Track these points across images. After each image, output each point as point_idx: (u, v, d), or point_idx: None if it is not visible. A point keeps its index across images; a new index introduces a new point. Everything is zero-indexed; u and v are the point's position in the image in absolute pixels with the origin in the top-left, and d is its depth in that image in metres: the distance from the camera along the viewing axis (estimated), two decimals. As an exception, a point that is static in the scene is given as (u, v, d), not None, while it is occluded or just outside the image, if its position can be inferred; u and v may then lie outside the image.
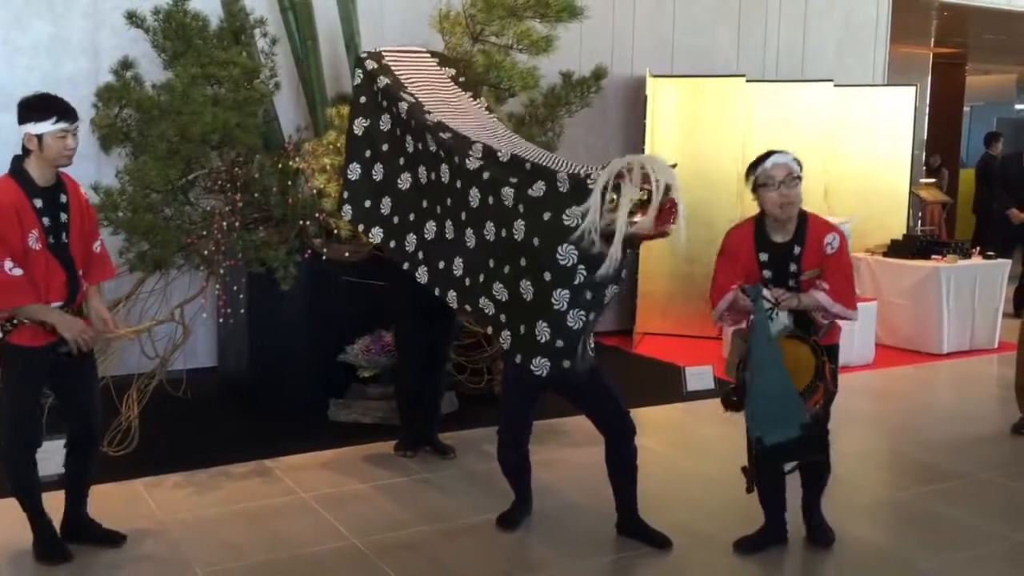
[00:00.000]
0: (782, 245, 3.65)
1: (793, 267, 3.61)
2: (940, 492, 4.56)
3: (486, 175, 3.75)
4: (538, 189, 3.55)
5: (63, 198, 3.55)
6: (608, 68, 6.41)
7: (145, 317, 5.24)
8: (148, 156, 4.96)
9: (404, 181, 4.23)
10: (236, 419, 5.48)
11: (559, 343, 3.52)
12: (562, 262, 3.44)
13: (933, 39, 13.33)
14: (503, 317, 3.71)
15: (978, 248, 8.11)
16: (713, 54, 8.44)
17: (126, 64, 5.31)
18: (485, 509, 4.13)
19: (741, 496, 4.55)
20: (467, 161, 3.83)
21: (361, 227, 4.45)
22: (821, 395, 3.58)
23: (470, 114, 4.31)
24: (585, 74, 6.25)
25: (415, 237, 4.15)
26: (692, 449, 5.22)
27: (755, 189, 3.66)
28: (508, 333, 3.69)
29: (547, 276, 3.49)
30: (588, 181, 3.38)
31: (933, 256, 7.69)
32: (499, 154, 3.75)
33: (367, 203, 4.37)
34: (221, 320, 5.24)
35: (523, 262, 3.59)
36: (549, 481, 4.46)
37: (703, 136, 7.79)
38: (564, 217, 3.43)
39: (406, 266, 4.20)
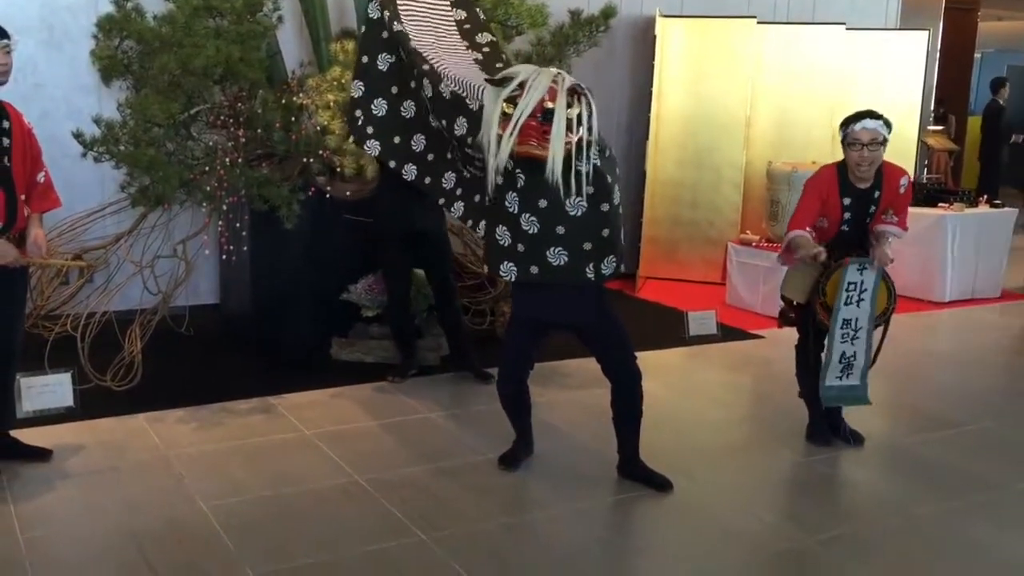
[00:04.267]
0: (864, 191, 4.08)
1: (872, 208, 4.11)
2: (939, 440, 4.58)
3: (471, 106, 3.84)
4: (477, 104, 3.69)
5: (5, 124, 3.59)
6: (617, 7, 6.28)
7: (148, 253, 5.22)
8: (149, 89, 4.89)
9: (434, 120, 4.20)
10: (239, 356, 5.48)
11: (520, 247, 3.57)
12: (506, 165, 3.49)
13: (947, -17, 13.08)
14: (470, 221, 3.91)
15: (985, 196, 8.05)
16: (725, -6, 8.28)
17: (127, -6, 5.19)
18: (487, 449, 4.16)
19: (741, 440, 4.60)
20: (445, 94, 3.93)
21: (392, 163, 4.41)
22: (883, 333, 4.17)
23: (455, 60, 4.26)
24: (594, 12, 6.12)
25: (454, 175, 4.16)
26: (693, 393, 5.24)
27: (843, 142, 4.05)
28: (461, 204, 3.93)
29: (499, 180, 3.55)
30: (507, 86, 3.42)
31: (940, 204, 7.64)
32: (467, 100, 3.84)
33: (396, 139, 4.36)
34: (224, 257, 5.20)
35: (480, 165, 3.77)
36: (551, 422, 4.48)
37: (712, 79, 7.69)
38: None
39: (442, 202, 4.24)
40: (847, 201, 4.09)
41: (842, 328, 4.09)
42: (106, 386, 4.65)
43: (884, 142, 3.97)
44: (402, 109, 4.35)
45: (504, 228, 3.60)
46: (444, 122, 4.00)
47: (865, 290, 4.08)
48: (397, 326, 5.15)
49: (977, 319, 7.19)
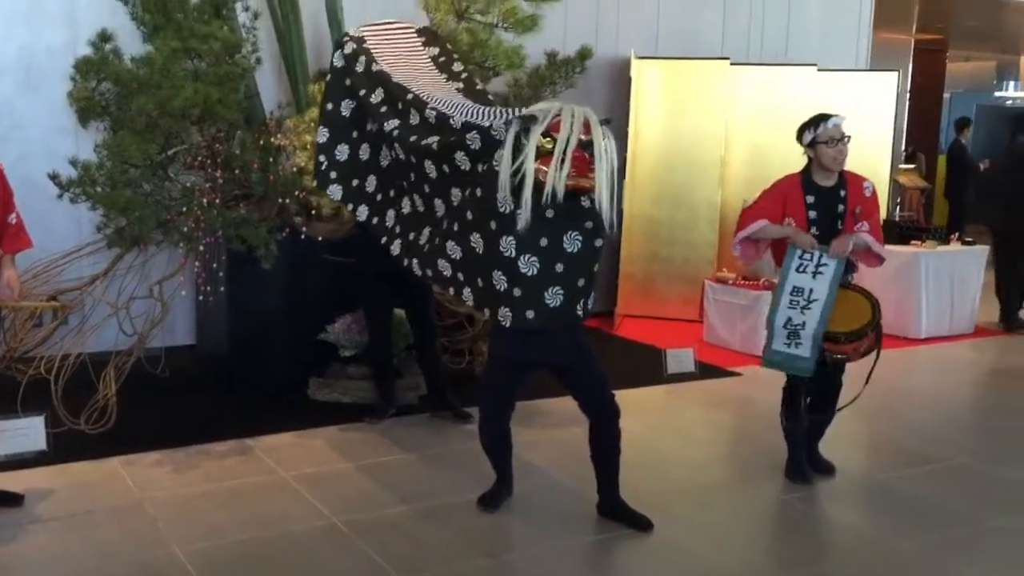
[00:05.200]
0: (828, 189, 4.18)
1: (840, 207, 4.16)
2: (918, 475, 4.60)
3: (436, 147, 3.79)
4: (476, 141, 3.58)
5: None
6: (593, 48, 6.37)
7: (123, 294, 5.18)
8: (127, 130, 4.89)
9: (384, 158, 4.30)
10: (215, 397, 5.44)
11: (516, 291, 3.54)
12: (501, 208, 3.47)
13: (915, 25, 13.38)
14: (461, 275, 3.77)
15: (956, 234, 8.16)
16: (698, 37, 8.42)
17: (105, 36, 5.21)
18: (466, 489, 4.12)
19: (721, 478, 4.60)
20: (420, 140, 3.89)
21: (350, 206, 4.47)
22: (865, 344, 4.09)
23: (437, 94, 4.29)
24: (570, 54, 6.21)
25: (394, 212, 4.23)
26: (673, 431, 5.24)
27: (812, 145, 4.17)
28: (468, 290, 3.75)
29: (493, 225, 3.53)
30: (506, 127, 3.39)
31: (912, 242, 7.74)
32: (451, 120, 3.80)
33: (354, 182, 4.43)
34: (201, 298, 5.18)
35: (470, 216, 3.65)
36: (531, 461, 4.46)
37: (687, 118, 7.78)
38: (494, 163, 3.46)
39: (384, 240, 4.29)
40: (811, 199, 4.16)
41: (791, 294, 4.10)
42: (80, 429, 4.59)
43: (849, 137, 4.15)
44: (360, 152, 4.42)
45: (500, 273, 3.55)
46: (412, 157, 3.97)
47: (825, 265, 4.06)
48: (377, 365, 5.14)
49: (952, 355, 7.26)
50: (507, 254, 3.49)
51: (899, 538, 3.87)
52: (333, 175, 4.48)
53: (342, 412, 5.16)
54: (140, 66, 5.00)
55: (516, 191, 3.36)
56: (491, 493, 4.01)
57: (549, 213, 3.41)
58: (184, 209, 4.92)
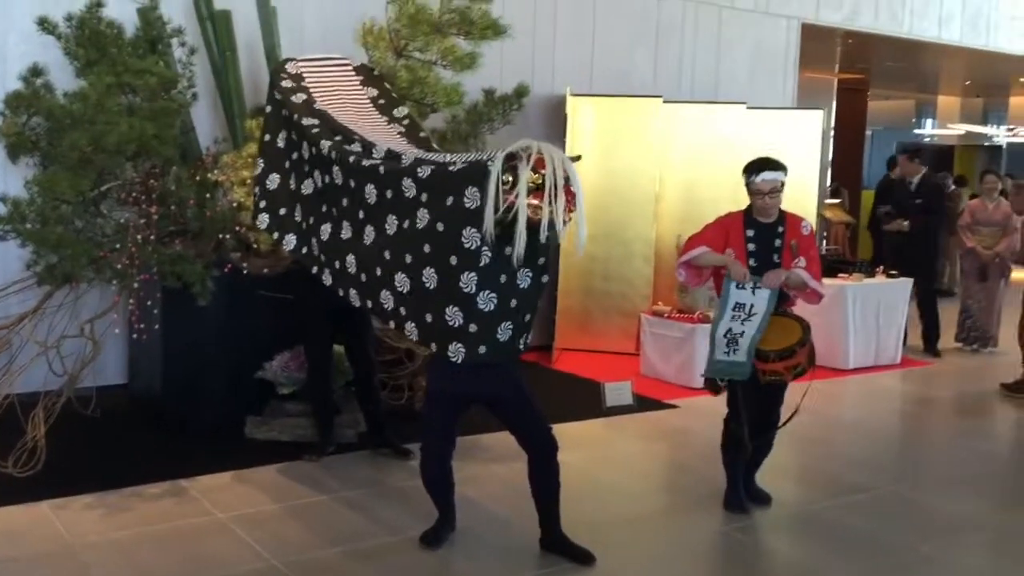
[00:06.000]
0: (767, 225, 4.39)
1: (778, 242, 4.36)
2: (850, 504, 4.71)
3: (383, 169, 3.81)
4: (439, 176, 3.60)
5: None
6: (529, 86, 6.48)
7: (53, 332, 5.06)
8: (59, 166, 4.80)
9: (307, 187, 4.32)
10: (148, 438, 5.31)
11: (472, 327, 3.55)
12: (466, 244, 3.48)
13: (838, 65, 13.85)
14: (403, 310, 3.75)
15: (881, 267, 8.43)
16: (631, 75, 8.61)
17: (36, 71, 5.14)
18: (407, 527, 4.10)
19: (660, 509, 4.65)
20: (363, 160, 3.91)
21: (276, 235, 4.48)
22: (796, 361, 4.21)
23: (378, 136, 4.32)
24: (507, 91, 6.30)
25: (316, 240, 4.24)
26: (612, 464, 5.28)
27: (747, 189, 4.37)
28: (413, 324, 3.73)
29: (453, 260, 3.52)
30: (489, 164, 3.40)
31: (839, 275, 7.96)
32: (402, 157, 3.82)
33: (282, 211, 4.44)
34: (135, 336, 5.08)
35: (427, 248, 3.62)
36: (472, 497, 4.46)
37: (621, 155, 7.92)
38: (465, 199, 3.46)
39: (315, 270, 4.28)
40: (751, 233, 4.36)
41: (733, 309, 4.27)
42: (7, 472, 4.45)
43: (783, 186, 4.34)
44: (290, 181, 4.42)
45: (456, 308, 3.55)
46: (352, 180, 3.96)
47: (760, 288, 4.26)
48: (316, 402, 5.09)
49: (879, 385, 7.46)
50: (467, 290, 3.50)
51: (835, 568, 3.96)
52: (263, 204, 4.50)
53: (280, 450, 5.09)
54: (73, 101, 4.93)
55: (504, 226, 3.35)
56: (433, 530, 3.99)
57: (507, 250, 3.43)
58: (117, 246, 4.85)
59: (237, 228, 5.14)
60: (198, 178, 5.23)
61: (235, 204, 5.15)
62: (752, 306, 4.27)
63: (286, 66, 4.74)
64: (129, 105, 4.99)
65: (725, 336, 4.26)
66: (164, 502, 4.40)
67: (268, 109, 4.61)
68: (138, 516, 4.22)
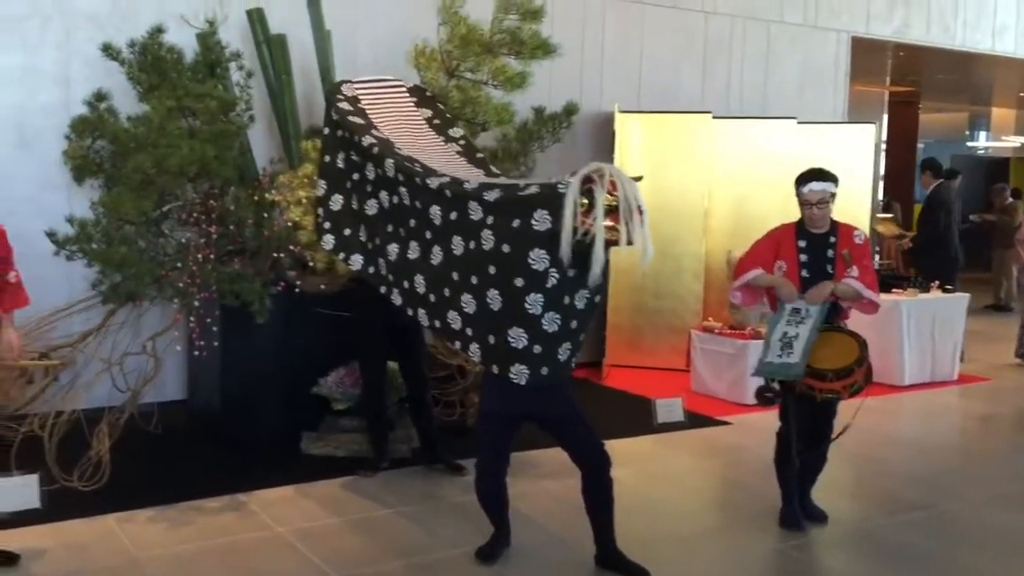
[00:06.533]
0: (819, 236, 4.38)
1: (830, 252, 4.34)
2: (908, 522, 4.64)
3: (449, 192, 3.84)
4: (506, 199, 3.63)
5: None
6: (578, 104, 6.52)
7: (116, 350, 5.19)
8: (122, 187, 4.94)
9: (371, 207, 4.36)
10: (208, 453, 5.42)
11: (536, 348, 3.58)
12: (534, 266, 3.50)
13: (889, 78, 13.70)
14: (470, 331, 3.77)
15: (937, 282, 8.30)
16: (679, 92, 8.61)
17: (100, 96, 5.30)
18: (463, 542, 4.13)
19: (715, 527, 4.63)
20: (428, 181, 3.94)
21: (342, 255, 4.53)
22: (853, 380, 4.16)
23: (438, 157, 4.38)
24: (556, 109, 6.35)
25: (384, 260, 4.27)
26: (665, 481, 5.27)
27: (798, 199, 4.39)
28: (476, 346, 3.75)
29: (519, 282, 3.54)
30: (559, 186, 3.44)
31: (894, 290, 7.86)
32: (466, 183, 3.85)
33: (347, 231, 4.48)
34: (195, 353, 5.20)
35: (492, 270, 3.64)
36: (526, 513, 4.48)
37: (670, 172, 7.92)
38: (533, 222, 3.49)
39: (383, 290, 4.31)
40: (802, 244, 4.37)
41: (790, 314, 4.28)
42: (73, 486, 4.57)
43: (833, 197, 4.35)
44: (352, 202, 4.48)
45: (520, 330, 3.57)
46: (418, 201, 4.00)
47: (808, 314, 4.27)
48: (371, 418, 5.15)
49: (936, 402, 7.35)
50: (532, 311, 3.53)
51: (893, 585, 3.91)
52: (327, 226, 4.55)
53: (335, 466, 5.16)
54: (137, 125, 5.07)
55: (582, 248, 3.37)
56: (489, 546, 4.02)
57: (571, 271, 3.48)
58: (179, 265, 4.97)
59: (293, 247, 5.24)
60: (255, 198, 5.34)
61: (291, 223, 5.25)
62: (807, 310, 4.28)
63: (342, 88, 4.83)
64: (190, 128, 5.13)
65: (780, 340, 4.26)
66: (224, 516, 4.48)
67: (326, 131, 4.69)
68: (199, 530, 4.30)
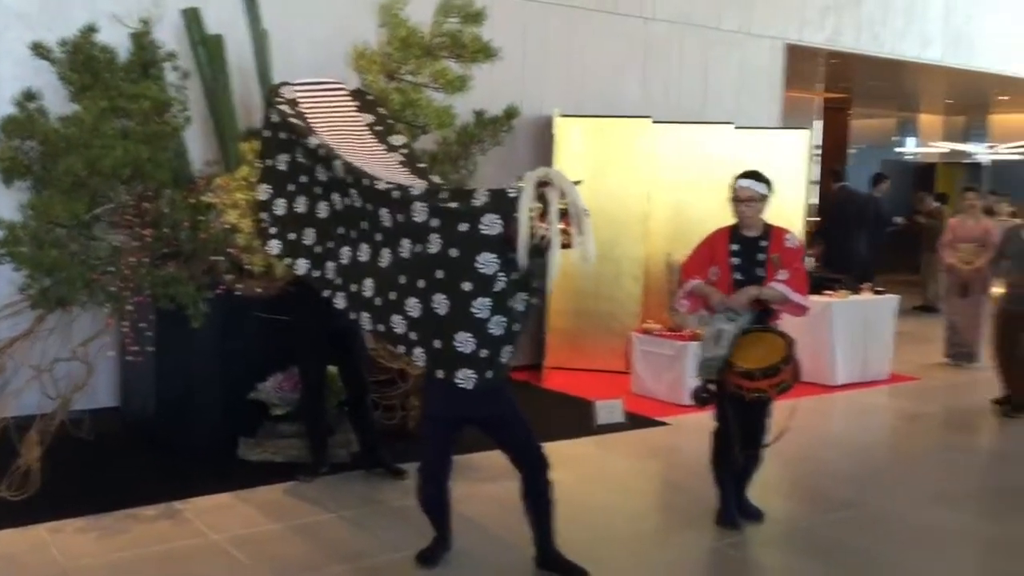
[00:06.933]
0: (752, 239, 4.47)
1: (761, 256, 4.42)
2: (839, 520, 4.76)
3: (396, 194, 3.85)
4: (451, 203, 3.64)
5: None
6: (519, 107, 6.55)
7: (46, 356, 5.06)
8: (53, 190, 4.83)
9: (322, 210, 4.32)
10: (142, 460, 5.32)
11: (483, 352, 3.59)
12: (482, 270, 3.52)
13: (822, 85, 14.02)
14: (414, 335, 3.76)
15: (868, 284, 8.52)
16: (619, 97, 8.69)
17: (30, 95, 5.17)
18: (404, 546, 4.12)
19: (654, 527, 4.68)
20: (376, 183, 3.94)
21: (288, 260, 4.48)
22: (780, 378, 4.26)
23: (380, 166, 4.36)
24: (497, 113, 6.36)
25: (333, 264, 4.23)
26: (604, 482, 5.31)
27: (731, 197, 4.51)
28: (421, 350, 3.74)
29: (467, 286, 3.55)
30: (509, 191, 3.47)
31: (825, 292, 8.04)
32: (411, 188, 3.86)
33: (291, 236, 4.44)
34: (130, 358, 5.09)
35: (439, 274, 3.63)
36: (467, 516, 4.48)
37: (610, 176, 7.99)
38: (482, 226, 3.51)
39: (326, 293, 4.27)
40: (735, 247, 4.46)
41: (725, 313, 4.38)
42: (2, 496, 4.45)
43: (762, 198, 4.46)
44: (296, 205, 4.44)
45: (467, 334, 3.57)
46: (369, 204, 3.98)
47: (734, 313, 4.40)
48: (310, 423, 5.11)
49: (867, 401, 7.53)
50: (479, 315, 3.54)
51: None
52: (272, 231, 4.51)
53: (274, 471, 5.10)
54: (68, 125, 4.96)
55: (533, 252, 3.44)
56: (429, 549, 4.01)
57: (514, 275, 3.51)
58: (111, 268, 4.86)
59: (230, 250, 5.17)
60: (191, 201, 5.26)
61: (228, 226, 5.18)
62: (736, 313, 4.40)
63: (281, 90, 4.79)
64: (123, 129, 5.02)
65: (713, 336, 4.38)
66: (159, 524, 4.40)
67: (266, 133, 4.63)
68: (133, 538, 4.22)
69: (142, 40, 5.59)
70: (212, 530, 4.33)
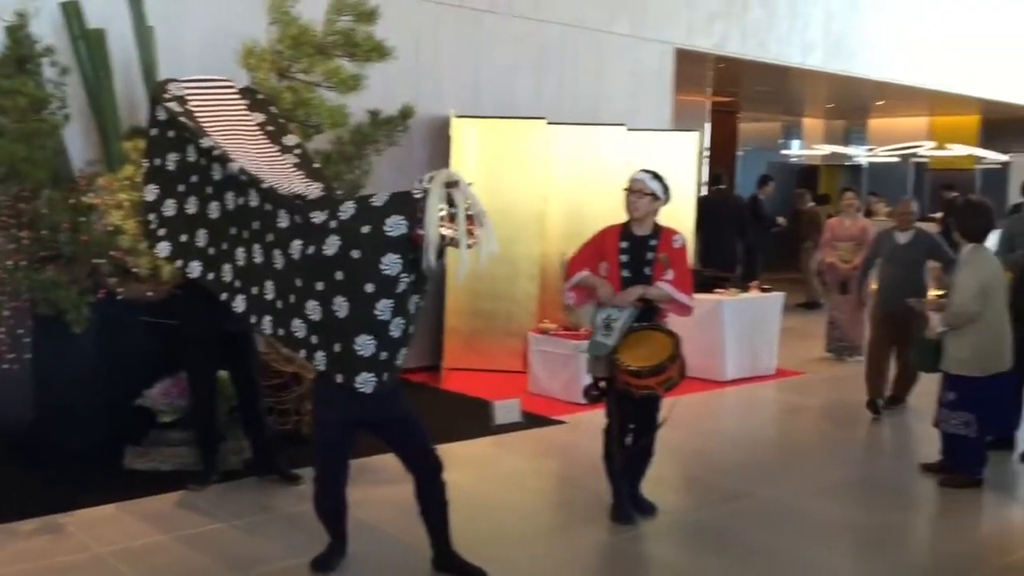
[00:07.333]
0: (641, 238, 4.53)
1: (649, 255, 4.50)
2: (731, 511, 4.90)
3: (294, 195, 3.80)
4: (350, 207, 3.60)
5: None
6: (415, 107, 6.52)
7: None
8: (-80, 190, 4.57)
9: (214, 210, 4.20)
10: (20, 472, 5.07)
11: (383, 355, 3.57)
12: (386, 272, 3.50)
13: (711, 89, 14.41)
14: (315, 339, 3.69)
15: (756, 282, 8.79)
16: (515, 98, 8.75)
17: None
18: (299, 553, 4.05)
19: (550, 524, 4.73)
20: (277, 186, 3.88)
21: (180, 263, 4.34)
22: (667, 375, 4.35)
23: (275, 169, 4.28)
24: (392, 113, 6.32)
25: (230, 266, 4.11)
26: (502, 481, 5.34)
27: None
28: (322, 354, 3.67)
29: (369, 288, 3.52)
30: (414, 192, 3.46)
31: (715, 290, 8.27)
32: (308, 196, 3.81)
33: (183, 237, 4.31)
34: (7, 366, 4.86)
35: (339, 276, 3.58)
36: (363, 520, 4.43)
37: (506, 176, 8.03)
38: (386, 227, 3.48)
39: (224, 296, 4.15)
40: (624, 245, 4.54)
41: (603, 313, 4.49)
42: None
43: (652, 195, 4.53)
44: (187, 206, 4.31)
45: (368, 337, 3.54)
46: (267, 204, 3.89)
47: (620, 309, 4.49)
48: (200, 429, 4.98)
49: (755, 396, 7.78)
50: (381, 318, 3.52)
51: (717, 572, 4.11)
52: (162, 232, 4.36)
53: (162, 481, 4.95)
54: (-64, 122, 4.70)
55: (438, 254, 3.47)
56: (324, 556, 3.96)
57: (413, 276, 3.52)
58: (-15, 272, 4.64)
59: (114, 252, 4.99)
60: (72, 201, 5.05)
61: (111, 228, 5.00)
62: (622, 310, 4.49)
63: (167, 87, 4.64)
64: (-2, 126, 4.80)
65: (603, 321, 4.47)
66: (39, 539, 4.22)
67: (153, 132, 4.48)
68: (11, 555, 4.03)
69: (17, 34, 5.32)
70: (96, 544, 4.17)
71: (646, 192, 4.53)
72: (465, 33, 8.44)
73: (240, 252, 4.05)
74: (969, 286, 5.19)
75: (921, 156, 18.49)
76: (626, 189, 4.57)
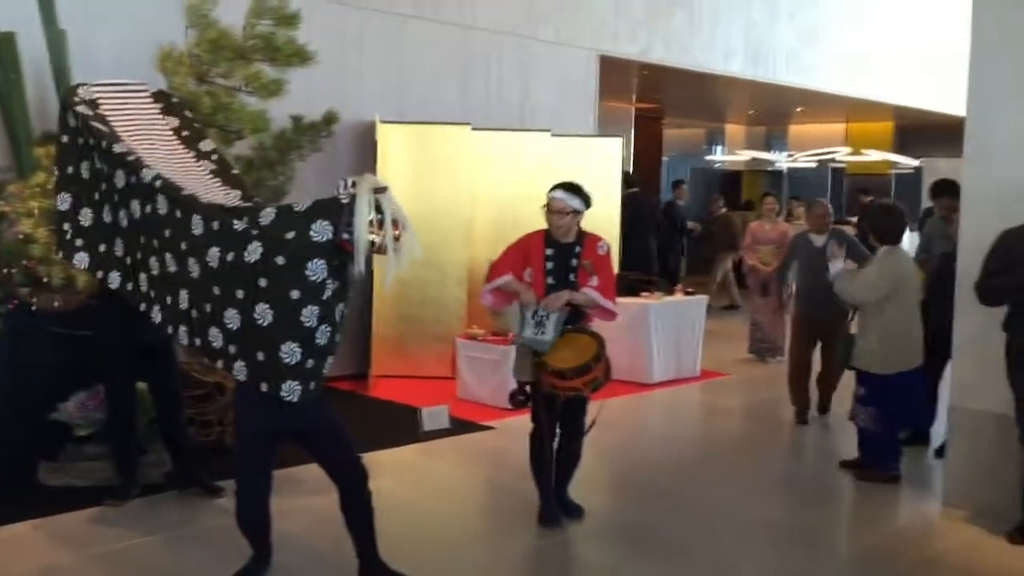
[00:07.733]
0: (566, 245, 4.57)
1: (574, 262, 4.54)
2: (658, 511, 4.95)
3: (211, 202, 3.73)
4: (270, 213, 3.55)
5: None
6: (339, 113, 6.45)
7: None
8: None
9: (123, 219, 4.09)
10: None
11: (309, 363, 3.52)
12: (312, 278, 3.45)
13: (635, 95, 14.60)
14: (233, 348, 3.61)
15: (679, 285, 8.92)
16: (441, 104, 8.73)
17: None
18: (220, 568, 3.95)
19: (479, 530, 4.72)
20: (192, 192, 3.81)
21: (100, 274, 4.22)
22: (592, 376, 4.38)
23: (191, 177, 4.19)
24: (316, 118, 6.25)
25: (145, 275, 4.02)
26: (430, 488, 5.31)
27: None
28: (242, 364, 3.59)
29: (295, 294, 3.46)
30: (340, 198, 3.42)
31: (642, 293, 8.37)
32: (224, 204, 3.75)
33: (101, 247, 4.19)
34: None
35: (263, 283, 3.51)
36: (288, 532, 4.35)
37: (432, 181, 8.01)
38: (312, 233, 3.43)
39: (143, 307, 4.04)
40: (550, 251, 4.55)
41: (532, 314, 4.49)
42: None
43: (575, 212, 4.54)
44: (102, 215, 4.20)
45: (294, 345, 3.47)
46: (178, 210, 3.80)
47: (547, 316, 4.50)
48: (118, 443, 4.84)
49: (681, 397, 7.89)
50: (307, 324, 3.46)
51: (645, 572, 4.15)
52: (79, 243, 4.22)
53: (78, 497, 4.79)
54: None
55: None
56: (246, 569, 3.88)
57: (339, 283, 3.48)
58: None
59: (25, 262, 4.82)
60: (-21, 209, 4.88)
61: (22, 236, 4.83)
62: (547, 315, 4.50)
63: (78, 91, 4.50)
64: None
65: (534, 317, 4.47)
66: (-55, 561, 4.06)
67: (64, 139, 4.33)
68: (-85, 578, 3.87)
69: (-81, 35, 5.13)
70: (6, 565, 4.02)
71: (567, 211, 4.54)
72: (390, 38, 8.40)
73: (153, 261, 3.95)
74: (867, 277, 5.40)
75: (838, 161, 19.03)
76: (545, 207, 4.57)
